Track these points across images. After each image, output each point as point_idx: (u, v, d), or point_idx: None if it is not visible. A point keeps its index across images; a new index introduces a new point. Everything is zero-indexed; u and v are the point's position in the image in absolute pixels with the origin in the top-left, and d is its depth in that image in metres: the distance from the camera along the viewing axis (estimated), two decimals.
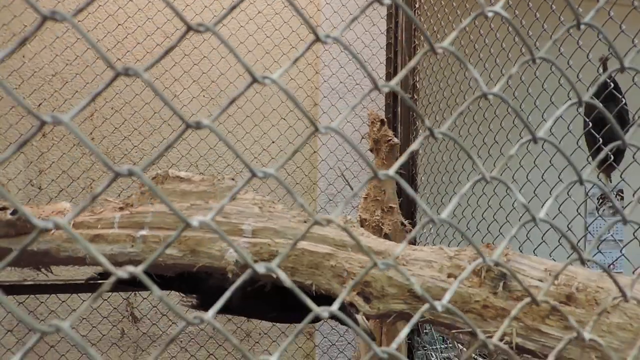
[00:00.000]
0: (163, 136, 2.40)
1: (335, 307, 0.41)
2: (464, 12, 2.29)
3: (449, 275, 0.86)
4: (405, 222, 2.32)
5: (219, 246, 1.06)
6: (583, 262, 0.51)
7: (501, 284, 0.82)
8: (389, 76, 2.57)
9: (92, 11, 2.34)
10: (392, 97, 2.53)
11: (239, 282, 0.40)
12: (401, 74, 0.42)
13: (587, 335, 0.51)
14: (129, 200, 1.29)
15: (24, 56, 2.35)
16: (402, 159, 0.44)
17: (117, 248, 1.19)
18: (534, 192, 1.63)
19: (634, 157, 1.39)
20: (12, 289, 1.90)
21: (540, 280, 0.82)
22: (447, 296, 0.48)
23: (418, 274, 0.88)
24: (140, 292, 2.34)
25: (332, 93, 2.65)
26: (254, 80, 0.31)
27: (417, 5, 2.51)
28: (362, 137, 2.61)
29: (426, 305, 0.47)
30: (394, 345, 0.45)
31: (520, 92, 1.79)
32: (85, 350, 0.31)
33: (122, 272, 0.33)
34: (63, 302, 2.26)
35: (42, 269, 1.40)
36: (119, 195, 2.30)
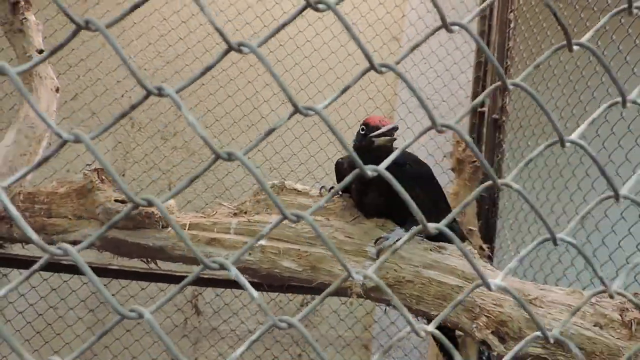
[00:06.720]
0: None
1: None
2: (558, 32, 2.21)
3: (595, 324, 0.84)
4: (485, 247, 2.28)
5: None
6: None
7: None
8: (476, 95, 2.53)
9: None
10: (477, 117, 2.49)
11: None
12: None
13: None
14: (243, 207, 1.33)
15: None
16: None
17: (234, 254, 1.23)
18: None
19: None
20: (98, 271, 2.00)
21: None
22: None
23: (558, 319, 0.86)
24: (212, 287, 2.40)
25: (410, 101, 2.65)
26: (297, 110, 0.38)
27: (512, 25, 2.47)
28: (444, 156, 2.57)
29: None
30: None
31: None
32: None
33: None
34: (142, 289, 2.35)
35: (151, 262, 1.46)
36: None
